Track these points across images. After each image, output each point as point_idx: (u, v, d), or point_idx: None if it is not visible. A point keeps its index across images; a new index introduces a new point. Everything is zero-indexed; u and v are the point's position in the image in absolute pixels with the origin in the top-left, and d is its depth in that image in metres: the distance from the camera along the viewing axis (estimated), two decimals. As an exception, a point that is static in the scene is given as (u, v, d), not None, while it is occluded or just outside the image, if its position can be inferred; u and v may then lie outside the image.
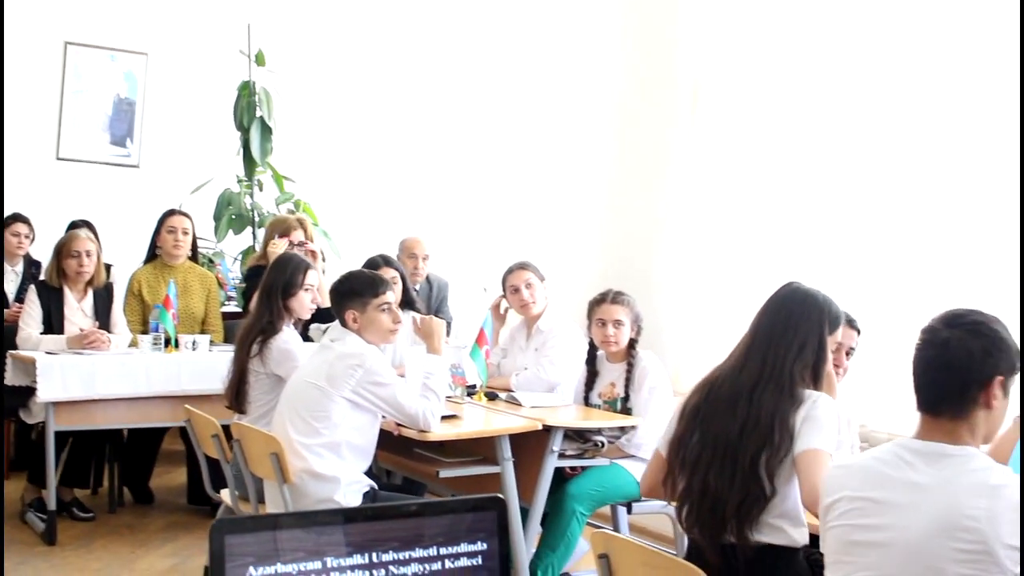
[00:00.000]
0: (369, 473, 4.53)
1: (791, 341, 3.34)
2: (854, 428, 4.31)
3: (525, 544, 4.98)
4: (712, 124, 6.35)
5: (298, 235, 6.34)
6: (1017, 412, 3.91)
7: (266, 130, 7.59)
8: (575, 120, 7.39)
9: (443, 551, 1.86)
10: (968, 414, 2.54)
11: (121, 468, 6.72)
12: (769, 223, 6.08)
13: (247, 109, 7.60)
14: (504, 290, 5.91)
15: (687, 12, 6.58)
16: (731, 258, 6.23)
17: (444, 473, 4.87)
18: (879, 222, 5.45)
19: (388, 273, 5.84)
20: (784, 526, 3.22)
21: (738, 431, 3.24)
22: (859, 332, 4.39)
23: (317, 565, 1.77)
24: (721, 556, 3.22)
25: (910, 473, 2.53)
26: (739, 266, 6.19)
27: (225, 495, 5.02)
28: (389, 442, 4.83)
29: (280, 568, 1.75)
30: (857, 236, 5.56)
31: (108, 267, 7.18)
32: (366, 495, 4.38)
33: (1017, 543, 2.36)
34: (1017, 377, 2.59)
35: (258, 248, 7.60)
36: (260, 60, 7.67)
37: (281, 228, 6.44)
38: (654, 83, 6.78)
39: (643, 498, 3.83)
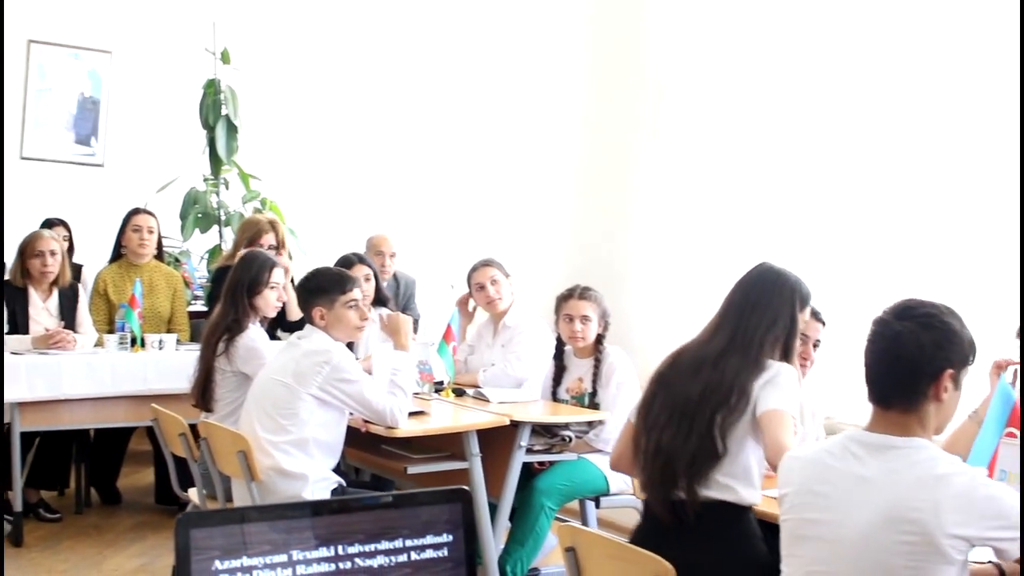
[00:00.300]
0: (337, 470, 4.53)
1: (762, 314, 3.38)
2: (819, 420, 4.35)
3: (494, 539, 4.99)
4: (676, 122, 6.37)
5: (269, 239, 6.33)
6: (974, 408, 3.96)
7: (232, 128, 7.57)
8: (541, 118, 7.40)
9: (409, 543, 1.87)
10: (918, 407, 2.55)
11: (88, 468, 6.69)
12: (734, 218, 6.11)
13: (213, 107, 7.57)
14: (470, 287, 5.92)
15: (651, 13, 6.60)
16: (696, 253, 6.26)
17: (412, 469, 4.88)
18: (844, 215, 5.50)
19: (362, 271, 5.87)
20: (734, 485, 3.24)
21: (699, 393, 3.27)
22: (824, 324, 4.42)
23: (283, 558, 1.77)
24: (671, 512, 3.23)
25: (856, 466, 2.54)
26: (704, 261, 6.22)
27: (193, 494, 5.01)
28: (357, 439, 4.83)
29: (246, 561, 1.75)
30: (822, 229, 5.61)
31: (79, 267, 7.16)
32: (334, 492, 4.38)
33: (963, 532, 2.38)
34: (969, 369, 2.60)
35: (225, 247, 7.59)
36: (225, 58, 7.64)
37: (252, 232, 6.40)
38: (619, 82, 6.81)
39: (612, 469, 3.84)
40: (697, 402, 3.26)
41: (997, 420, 3.64)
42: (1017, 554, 2.43)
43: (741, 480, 3.25)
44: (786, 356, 3.38)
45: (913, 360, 2.53)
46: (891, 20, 5.26)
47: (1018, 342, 3.90)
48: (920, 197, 5.12)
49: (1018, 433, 3.57)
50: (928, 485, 2.43)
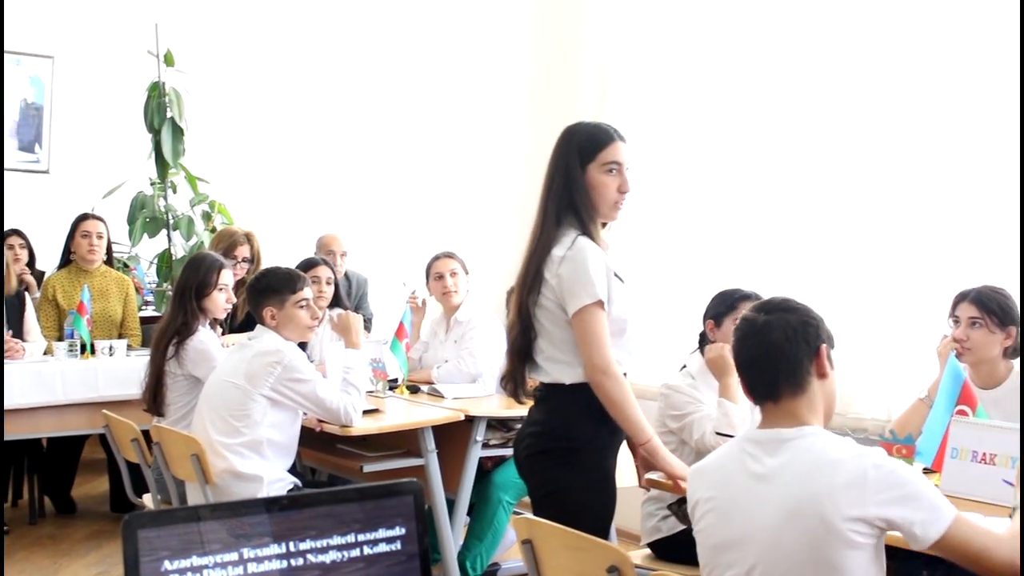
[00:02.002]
0: (293, 471, 4.51)
1: (548, 181, 3.43)
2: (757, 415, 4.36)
3: (452, 535, 4.99)
4: (621, 114, 6.37)
5: (244, 251, 6.30)
6: (922, 395, 4.03)
7: (178, 131, 7.50)
8: (487, 115, 7.40)
9: (361, 537, 1.85)
10: (805, 388, 2.56)
11: (41, 478, 6.62)
12: (680, 207, 6.13)
13: (157, 110, 7.50)
14: (428, 277, 5.90)
15: (594, 5, 6.61)
16: (642, 242, 6.26)
17: (368, 467, 4.87)
18: (790, 210, 5.52)
19: (323, 273, 5.87)
20: (550, 368, 3.38)
21: (526, 290, 3.40)
22: None
23: (234, 556, 1.75)
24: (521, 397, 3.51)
25: (752, 465, 2.55)
26: (649, 249, 6.24)
27: (148, 500, 4.97)
28: (312, 439, 4.81)
29: (196, 561, 1.73)
30: (766, 224, 5.64)
31: (42, 274, 7.08)
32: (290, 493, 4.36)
33: (860, 513, 2.37)
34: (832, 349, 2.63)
35: (174, 252, 7.53)
36: (169, 60, 7.57)
37: (227, 243, 6.36)
38: (562, 75, 6.82)
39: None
40: (526, 297, 3.41)
41: (948, 399, 3.69)
42: (931, 534, 2.37)
43: (558, 363, 3.37)
44: (577, 215, 3.37)
45: (789, 343, 2.56)
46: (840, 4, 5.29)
47: (952, 325, 3.98)
48: (878, 193, 5.14)
49: (969, 411, 3.62)
50: (821, 471, 2.43)
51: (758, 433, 2.60)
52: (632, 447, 3.54)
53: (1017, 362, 3.97)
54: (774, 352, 2.57)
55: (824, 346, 2.58)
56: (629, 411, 3.33)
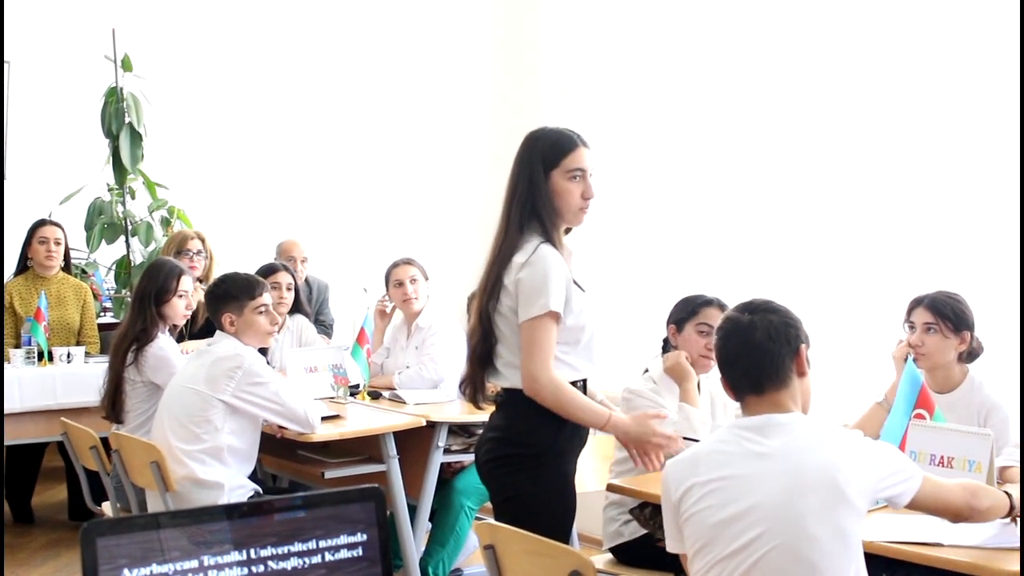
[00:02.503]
0: (254, 478, 4.49)
1: (512, 185, 3.43)
2: (730, 412, 4.39)
3: (415, 541, 4.98)
4: (581, 121, 6.39)
5: (195, 244, 6.29)
6: (879, 399, 4.08)
7: (136, 136, 7.45)
8: (449, 120, 7.39)
9: (323, 544, 1.85)
10: (788, 382, 2.69)
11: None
12: (638, 213, 6.15)
13: (115, 115, 7.44)
14: (387, 284, 5.89)
15: (553, 14, 6.62)
16: (603, 249, 6.28)
17: (329, 474, 4.85)
18: (750, 216, 5.55)
19: (284, 279, 5.87)
20: (509, 374, 3.39)
21: (487, 296, 3.41)
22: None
23: (194, 564, 1.75)
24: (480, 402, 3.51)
25: (752, 447, 2.65)
26: (611, 256, 6.25)
27: (107, 508, 4.94)
28: (273, 445, 4.79)
29: (156, 569, 1.72)
30: (726, 229, 5.66)
31: None
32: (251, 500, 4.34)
33: (863, 483, 2.56)
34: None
35: (133, 258, 7.48)
36: (127, 65, 7.52)
37: (178, 240, 6.39)
38: (525, 82, 6.82)
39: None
40: (479, 299, 3.45)
41: (906, 403, 3.73)
42: (909, 494, 2.64)
43: (512, 367, 3.39)
44: (540, 221, 3.37)
45: (773, 341, 2.68)
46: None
47: (907, 330, 4.02)
48: (837, 194, 5.16)
49: (927, 415, 3.65)
50: (825, 445, 2.60)
51: (749, 420, 2.70)
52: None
53: (971, 367, 4.01)
54: (758, 350, 2.68)
55: (803, 346, 2.71)
56: (574, 410, 3.34)
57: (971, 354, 4.00)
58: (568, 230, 3.50)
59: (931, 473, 3.35)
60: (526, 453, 3.36)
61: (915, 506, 2.69)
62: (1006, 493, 2.81)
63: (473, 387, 3.51)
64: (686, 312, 4.24)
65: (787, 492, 2.54)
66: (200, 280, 6.10)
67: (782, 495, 2.55)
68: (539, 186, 3.36)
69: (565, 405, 3.32)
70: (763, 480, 2.58)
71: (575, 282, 3.38)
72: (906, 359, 3.89)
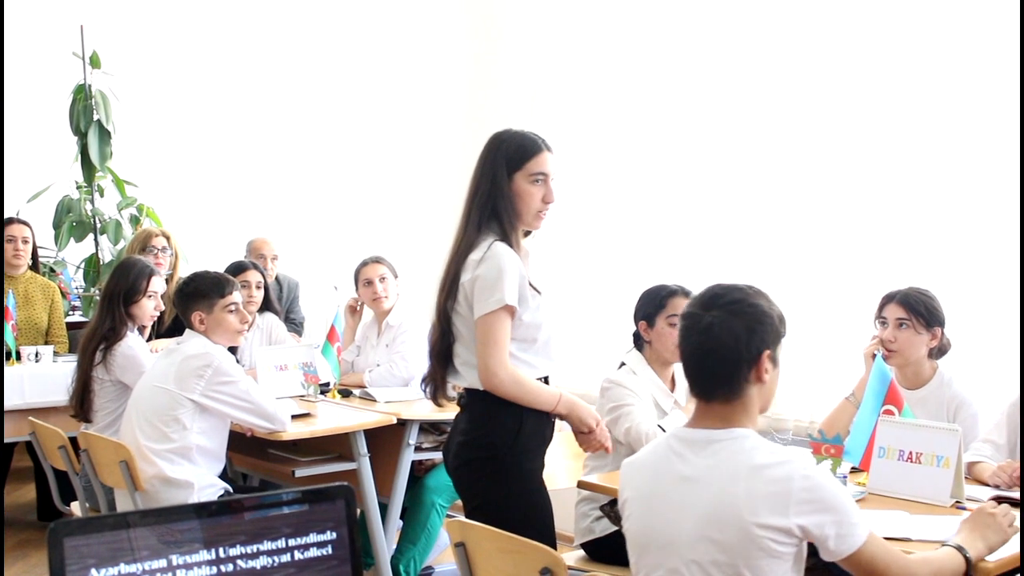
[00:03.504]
0: (224, 477, 4.47)
1: (473, 185, 3.46)
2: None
3: (385, 539, 4.98)
4: (551, 122, 6.39)
5: (159, 241, 6.26)
6: (848, 395, 4.10)
7: (104, 134, 7.41)
8: (418, 119, 7.38)
9: (292, 542, 1.84)
10: (741, 394, 2.52)
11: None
12: (611, 214, 6.15)
13: (84, 113, 7.40)
14: (356, 283, 5.88)
15: (526, 15, 6.63)
16: (574, 250, 6.28)
17: (300, 472, 4.84)
18: (715, 211, 5.57)
19: (253, 277, 5.85)
20: (467, 373, 3.42)
21: (444, 295, 3.46)
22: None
23: (162, 563, 1.74)
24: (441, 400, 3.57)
25: (680, 466, 2.52)
26: (583, 257, 6.26)
27: (76, 508, 4.91)
28: (243, 444, 4.77)
29: (124, 569, 1.71)
30: (691, 226, 5.68)
31: None
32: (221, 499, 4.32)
33: (780, 523, 2.37)
34: (783, 342, 2.58)
35: (101, 256, 7.44)
36: (95, 62, 7.48)
37: (142, 236, 6.36)
38: (494, 81, 6.82)
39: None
40: (438, 298, 3.48)
41: (875, 399, 3.75)
42: (843, 549, 2.41)
43: (471, 366, 3.41)
44: (499, 222, 3.39)
45: (730, 349, 2.49)
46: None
47: (878, 326, 4.05)
48: (807, 188, 5.18)
49: (896, 411, 3.68)
50: (743, 476, 2.41)
51: (688, 432, 2.57)
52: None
53: (941, 362, 4.04)
54: (712, 356, 2.52)
55: (766, 352, 2.51)
56: (531, 396, 3.37)
57: (940, 350, 4.03)
58: (527, 233, 3.51)
59: (900, 467, 3.40)
60: (489, 456, 3.38)
61: (850, 565, 2.45)
62: (957, 548, 2.63)
63: (433, 385, 3.52)
64: (654, 306, 4.25)
65: (699, 527, 2.43)
66: (167, 280, 6.07)
67: (694, 530, 2.43)
68: (501, 187, 3.39)
69: (524, 395, 3.35)
70: (681, 509, 2.47)
71: (531, 284, 3.39)
72: (874, 356, 3.92)
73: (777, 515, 2.37)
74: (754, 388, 2.53)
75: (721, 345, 2.49)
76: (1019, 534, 2.69)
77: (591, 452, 3.61)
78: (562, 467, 4.63)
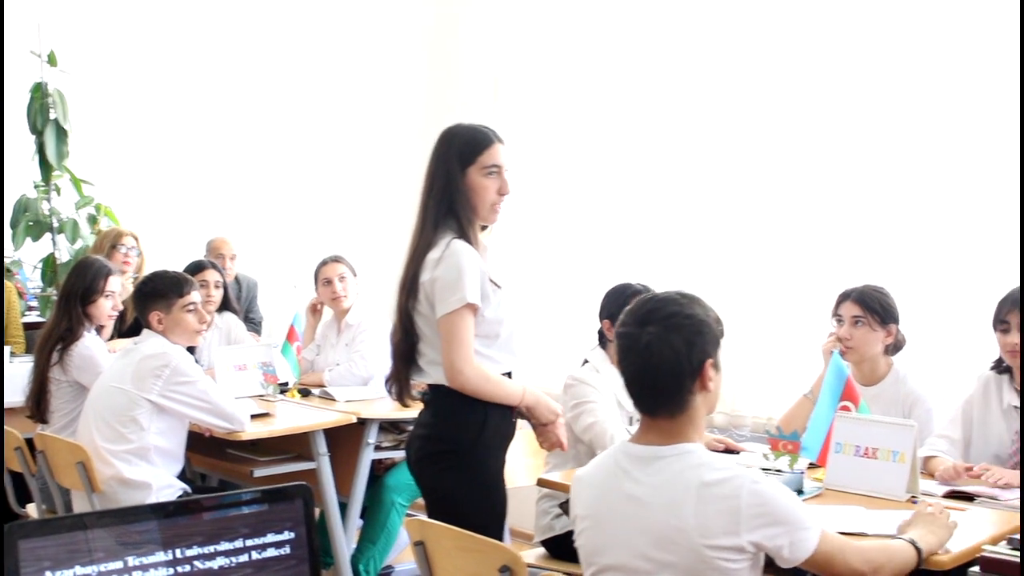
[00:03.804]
0: (183, 477, 4.45)
1: (428, 183, 3.45)
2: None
3: (345, 539, 4.97)
4: (512, 118, 6.41)
5: (128, 240, 6.23)
6: (807, 392, 4.13)
7: (61, 133, 7.35)
8: (377, 116, 7.37)
9: (249, 542, 1.84)
10: (686, 407, 2.48)
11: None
12: (571, 211, 6.17)
13: (40, 111, 7.35)
14: (316, 282, 5.87)
15: (486, 10, 6.63)
16: (535, 247, 6.30)
17: (259, 472, 4.82)
18: (676, 208, 5.59)
19: (212, 277, 5.82)
20: (432, 371, 3.40)
21: (405, 294, 3.44)
22: None
23: (118, 565, 1.73)
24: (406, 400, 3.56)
25: (627, 484, 2.48)
26: (543, 255, 6.27)
27: (32, 510, 4.87)
28: (202, 444, 4.75)
29: (79, 570, 1.70)
30: (652, 222, 5.70)
31: None
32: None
33: (732, 542, 2.35)
34: (722, 343, 2.54)
35: (59, 256, 7.38)
36: (52, 61, 7.43)
37: (112, 236, 6.32)
38: (455, 79, 6.82)
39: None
40: (399, 297, 3.48)
41: (831, 395, 3.78)
42: (799, 555, 2.40)
43: (436, 365, 3.39)
44: (456, 218, 3.38)
45: (672, 365, 2.45)
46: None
47: (835, 324, 4.08)
48: (764, 186, 5.21)
49: (852, 407, 3.71)
50: (691, 497, 2.38)
51: (634, 448, 2.53)
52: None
53: (896, 359, 4.08)
54: (654, 374, 2.47)
55: (708, 361, 2.47)
56: (498, 391, 3.37)
57: (896, 347, 4.07)
58: (484, 227, 3.51)
59: (857, 463, 3.43)
60: (451, 450, 3.38)
61: (808, 566, 2.45)
62: (910, 542, 2.65)
63: (398, 385, 3.52)
64: (617, 306, 4.23)
65: (649, 549, 2.41)
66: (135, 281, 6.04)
67: (645, 553, 2.42)
68: (455, 182, 3.39)
69: (491, 390, 3.35)
70: (630, 531, 2.45)
71: (491, 279, 3.39)
72: (833, 352, 3.95)
73: (728, 535, 2.35)
74: (699, 397, 2.49)
75: (663, 362, 2.45)
76: (1020, 532, 2.65)
77: (548, 450, 3.61)
78: (522, 465, 4.64)
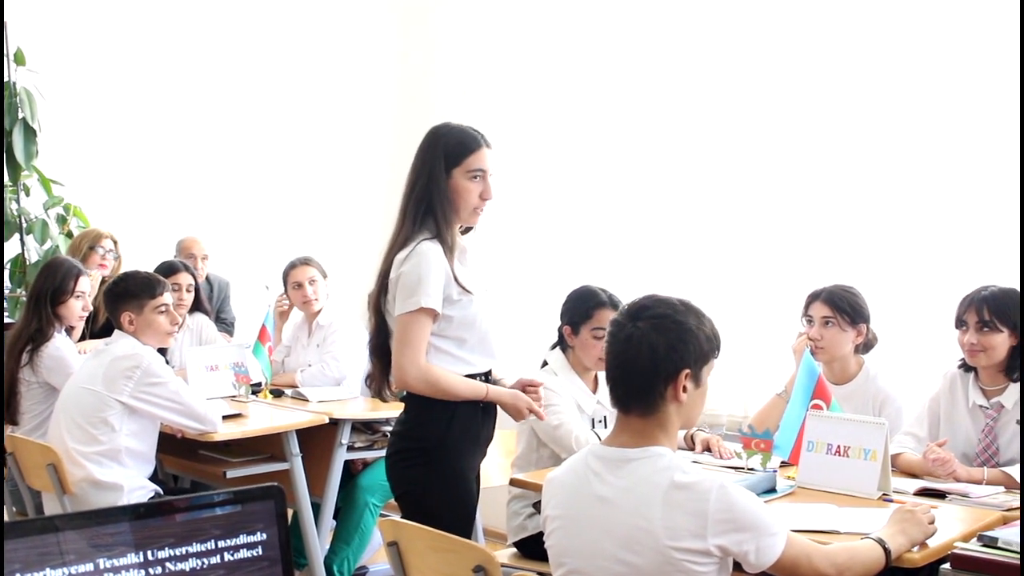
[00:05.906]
0: (155, 478, 4.43)
1: (411, 182, 3.43)
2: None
3: (319, 539, 4.96)
4: (481, 119, 6.38)
5: (107, 243, 6.20)
6: (779, 390, 4.15)
7: (30, 132, 7.29)
8: (350, 116, 7.37)
9: (221, 544, 1.83)
10: (657, 410, 2.48)
11: None
12: (541, 209, 6.17)
13: (8, 111, 7.28)
14: (285, 285, 5.85)
15: (456, 15, 6.63)
16: (507, 247, 6.29)
17: (231, 473, 4.81)
18: (647, 209, 5.62)
19: (184, 279, 5.80)
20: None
21: (379, 292, 3.46)
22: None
23: (90, 567, 1.72)
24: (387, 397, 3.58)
25: (597, 486, 2.48)
26: (516, 254, 6.26)
27: (2, 512, 4.84)
28: (174, 445, 4.73)
29: (50, 573, 1.68)
30: (623, 223, 5.72)
31: None
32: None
33: (698, 545, 2.35)
34: (714, 362, 2.53)
35: (28, 256, 7.33)
36: (20, 59, 7.36)
37: (92, 236, 6.31)
38: (424, 81, 6.83)
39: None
40: (374, 295, 3.49)
41: (803, 394, 3.80)
42: (765, 560, 2.41)
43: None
44: (434, 218, 3.36)
45: (646, 363, 2.45)
46: None
47: (805, 324, 4.10)
48: (735, 187, 5.24)
49: (824, 406, 3.73)
50: (658, 500, 2.39)
51: (604, 450, 2.53)
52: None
53: (867, 358, 4.11)
54: (628, 369, 2.48)
55: (685, 372, 2.46)
56: (450, 391, 3.35)
57: (867, 345, 4.10)
58: (467, 230, 3.50)
59: (829, 461, 3.45)
60: (420, 447, 3.38)
61: (775, 570, 2.44)
62: (878, 541, 2.66)
63: (376, 381, 3.51)
64: (580, 314, 4.22)
65: (617, 551, 2.41)
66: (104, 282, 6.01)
67: (613, 555, 2.42)
68: (438, 183, 3.36)
69: (444, 389, 3.34)
70: (599, 533, 2.45)
71: (462, 284, 3.36)
72: (805, 351, 3.97)
73: (695, 538, 2.36)
74: (672, 406, 2.48)
75: (639, 357, 2.46)
76: (1020, 531, 2.62)
77: (521, 418, 3.56)
78: (495, 464, 4.64)
